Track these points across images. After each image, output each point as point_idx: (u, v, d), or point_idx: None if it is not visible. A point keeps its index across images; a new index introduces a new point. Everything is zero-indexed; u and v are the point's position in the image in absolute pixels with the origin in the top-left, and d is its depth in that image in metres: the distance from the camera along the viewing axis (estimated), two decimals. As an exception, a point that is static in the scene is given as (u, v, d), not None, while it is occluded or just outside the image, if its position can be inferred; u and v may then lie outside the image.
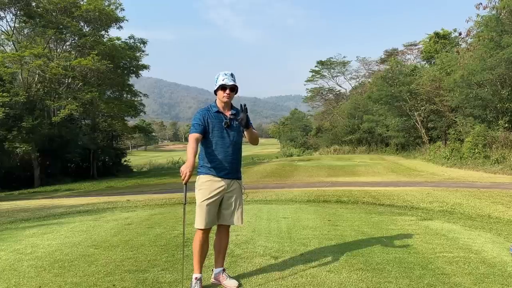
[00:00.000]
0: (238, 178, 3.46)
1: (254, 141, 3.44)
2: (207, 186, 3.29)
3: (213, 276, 3.45)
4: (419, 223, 6.11)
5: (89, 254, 4.35)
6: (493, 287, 3.27)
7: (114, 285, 3.36)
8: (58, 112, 28.09)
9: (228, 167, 3.32)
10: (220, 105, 3.35)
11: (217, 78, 3.31)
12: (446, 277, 3.46)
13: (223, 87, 3.28)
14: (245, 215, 6.77)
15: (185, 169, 2.99)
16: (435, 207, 8.21)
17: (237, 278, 3.48)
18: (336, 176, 19.19)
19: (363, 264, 3.82)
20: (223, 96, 3.29)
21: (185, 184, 3.06)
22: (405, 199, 9.48)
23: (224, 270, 3.45)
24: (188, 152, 3.14)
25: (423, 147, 31.51)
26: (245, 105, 3.25)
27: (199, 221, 3.27)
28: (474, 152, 21.95)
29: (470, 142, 22.37)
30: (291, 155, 48.43)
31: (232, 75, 3.31)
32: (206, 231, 3.33)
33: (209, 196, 3.28)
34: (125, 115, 34.07)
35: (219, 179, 3.30)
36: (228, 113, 3.35)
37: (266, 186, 15.20)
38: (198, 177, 3.37)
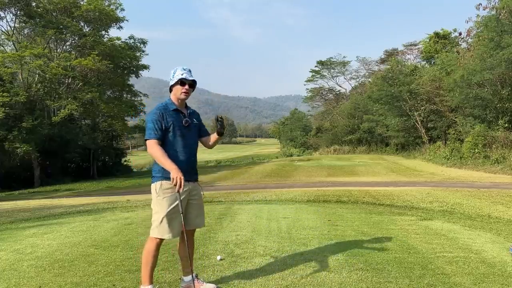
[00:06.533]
0: (197, 179, 3.24)
1: (211, 147, 3.35)
2: (172, 192, 2.97)
3: (183, 285, 3.25)
4: (419, 223, 6.11)
5: (89, 254, 4.35)
6: (493, 287, 3.27)
7: (114, 285, 3.36)
8: (58, 112, 28.11)
9: (190, 168, 3.09)
10: (176, 102, 3.12)
11: (174, 73, 3.10)
12: (446, 277, 3.46)
13: (182, 82, 3.07)
14: (245, 215, 6.80)
15: (178, 175, 2.79)
16: (435, 207, 8.21)
17: (237, 278, 3.48)
18: (336, 176, 19.20)
19: (363, 264, 3.82)
20: (182, 92, 3.07)
21: (178, 192, 2.87)
22: (405, 199, 9.48)
23: (197, 275, 3.28)
24: (164, 159, 2.88)
25: (423, 147, 31.52)
26: (221, 117, 3.19)
27: (167, 231, 2.97)
28: (474, 152, 21.96)
29: (470, 142, 22.37)
30: (291, 155, 48.49)
31: (190, 70, 3.12)
32: (162, 241, 3.07)
33: (176, 203, 2.98)
34: (125, 115, 34.06)
35: (184, 183, 2.92)
36: (185, 112, 3.17)
37: (266, 186, 15.21)
38: (159, 183, 3.01)
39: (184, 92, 3.09)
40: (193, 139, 3.19)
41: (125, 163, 39.16)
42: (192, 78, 3.10)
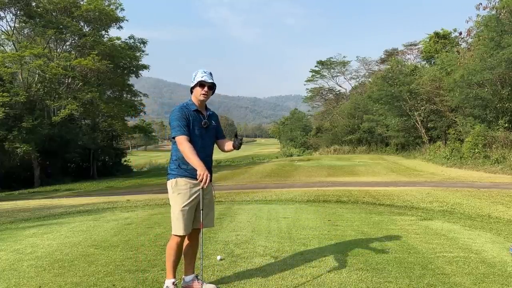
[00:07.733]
0: (211, 179, 3.27)
1: (225, 152, 3.45)
2: (186, 189, 3.12)
3: (184, 285, 3.31)
4: (419, 223, 6.11)
5: (89, 254, 4.35)
6: (493, 287, 3.27)
7: (114, 285, 3.36)
8: (58, 112, 28.11)
9: (206, 168, 3.09)
10: (197, 103, 3.22)
11: (195, 75, 3.20)
12: (446, 277, 3.46)
13: (201, 84, 3.16)
14: (245, 215, 6.80)
15: (204, 172, 2.89)
16: (435, 207, 8.21)
17: (237, 278, 3.48)
18: (336, 176, 19.20)
19: (363, 264, 3.82)
20: (201, 94, 3.16)
21: (202, 188, 3.03)
22: (405, 199, 9.48)
23: (197, 276, 3.32)
24: (192, 155, 2.97)
25: (423, 147, 31.51)
26: (241, 137, 3.31)
27: (180, 227, 3.10)
28: (474, 152, 21.95)
29: (470, 142, 22.37)
30: (291, 155, 48.47)
31: (211, 73, 3.21)
32: (184, 237, 3.19)
33: (190, 200, 3.12)
34: (125, 115, 34.08)
35: (197, 181, 3.02)
36: (205, 113, 3.26)
37: (266, 186, 15.20)
38: (174, 180, 3.16)
39: (203, 94, 3.17)
40: (210, 140, 3.30)
41: (125, 163, 39.17)
42: (211, 81, 3.18)
